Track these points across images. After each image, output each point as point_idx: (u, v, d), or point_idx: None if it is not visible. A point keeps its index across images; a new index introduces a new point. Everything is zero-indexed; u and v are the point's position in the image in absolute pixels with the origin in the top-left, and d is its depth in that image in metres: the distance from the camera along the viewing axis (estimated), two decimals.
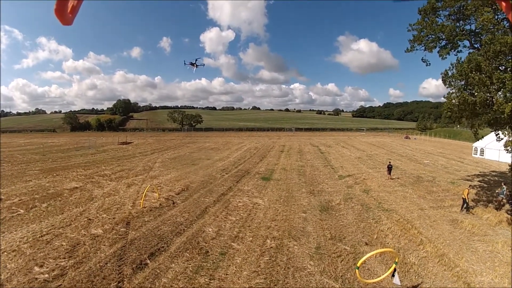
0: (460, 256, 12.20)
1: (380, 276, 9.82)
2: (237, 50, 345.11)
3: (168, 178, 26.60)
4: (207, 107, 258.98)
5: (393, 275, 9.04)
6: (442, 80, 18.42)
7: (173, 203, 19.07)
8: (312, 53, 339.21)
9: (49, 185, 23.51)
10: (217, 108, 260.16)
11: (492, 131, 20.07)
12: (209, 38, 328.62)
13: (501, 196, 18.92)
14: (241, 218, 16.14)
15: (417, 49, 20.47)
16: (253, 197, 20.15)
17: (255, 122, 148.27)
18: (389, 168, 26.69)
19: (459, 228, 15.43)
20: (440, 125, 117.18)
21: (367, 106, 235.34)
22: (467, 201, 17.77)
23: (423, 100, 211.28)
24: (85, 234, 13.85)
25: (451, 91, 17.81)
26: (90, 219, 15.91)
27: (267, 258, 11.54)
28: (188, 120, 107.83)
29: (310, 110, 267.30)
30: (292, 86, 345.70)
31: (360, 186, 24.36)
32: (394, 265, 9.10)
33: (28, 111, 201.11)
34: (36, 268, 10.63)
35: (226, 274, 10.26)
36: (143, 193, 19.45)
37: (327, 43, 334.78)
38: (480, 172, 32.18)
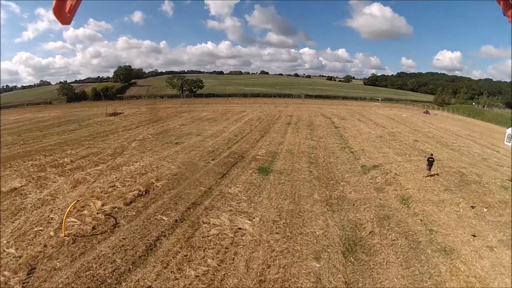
0: None
1: None
2: (242, 12, 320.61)
3: (134, 169, 19.95)
4: (214, 71, 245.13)
5: None
6: None
7: (114, 225, 12.51)
8: (322, 17, 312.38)
9: None
10: (224, 73, 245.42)
11: None
12: None
13: None
14: (206, 273, 9.41)
15: None
16: (238, 214, 13.25)
17: (262, 87, 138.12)
18: (430, 163, 19.27)
19: None
20: (458, 100, 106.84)
21: (378, 74, 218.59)
22: None
23: (438, 72, 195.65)
24: None
25: None
26: None
27: None
28: (188, 85, 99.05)
29: (320, 76, 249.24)
30: (301, 50, 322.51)
31: (393, 188, 17.26)
32: None
33: (33, 84, 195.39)
34: None
35: None
36: (69, 209, 12.77)
37: (338, 6, 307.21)
38: None
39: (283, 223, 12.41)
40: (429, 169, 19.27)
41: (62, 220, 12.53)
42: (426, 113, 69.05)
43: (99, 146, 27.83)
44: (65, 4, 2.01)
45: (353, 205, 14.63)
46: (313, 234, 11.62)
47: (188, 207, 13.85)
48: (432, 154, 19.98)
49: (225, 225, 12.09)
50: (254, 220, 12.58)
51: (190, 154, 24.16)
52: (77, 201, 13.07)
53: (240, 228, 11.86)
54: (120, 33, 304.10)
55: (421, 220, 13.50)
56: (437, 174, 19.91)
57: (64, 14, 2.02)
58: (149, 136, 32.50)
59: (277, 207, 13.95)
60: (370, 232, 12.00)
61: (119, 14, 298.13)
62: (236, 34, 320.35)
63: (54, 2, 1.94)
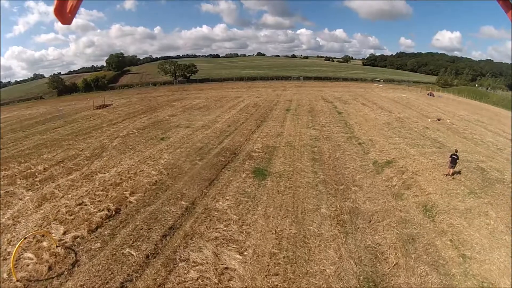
0: None
1: None
2: None
3: (108, 178, 17.20)
4: (210, 55, 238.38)
5: None
6: None
7: (74, 263, 9.91)
8: None
9: None
10: (220, 56, 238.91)
11: None
12: None
13: None
14: None
15: None
16: (225, 244, 10.52)
17: (259, 69, 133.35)
18: (454, 160, 16.39)
19: None
20: (461, 82, 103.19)
21: (377, 54, 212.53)
22: None
23: (437, 52, 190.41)
24: None
25: None
26: None
27: None
28: (181, 70, 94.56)
29: (318, 56, 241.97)
30: (298, 31, 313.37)
31: (414, 193, 14.57)
32: None
33: (26, 78, 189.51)
34: None
35: None
36: (19, 245, 10.16)
37: None
38: None
39: (284, 257, 9.71)
40: (453, 167, 16.49)
41: (15, 259, 10.03)
42: (430, 95, 66.11)
43: (78, 146, 25.07)
44: (67, 4, 1.97)
45: (370, 221, 11.95)
46: (322, 273, 8.95)
47: (164, 234, 11.16)
48: (456, 151, 17.15)
49: (208, 263, 9.41)
50: (246, 253, 9.88)
51: (175, 153, 21.42)
52: (25, 238, 10.36)
53: (227, 268, 9.20)
54: (113, 21, 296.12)
55: (451, 241, 10.88)
56: (458, 172, 17.20)
57: (65, 15, 1.98)
58: (134, 131, 29.64)
59: (275, 231, 11.23)
60: (394, 265, 9.37)
61: (111, 2, 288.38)
62: (231, 17, 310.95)
63: (55, 3, 1.90)
